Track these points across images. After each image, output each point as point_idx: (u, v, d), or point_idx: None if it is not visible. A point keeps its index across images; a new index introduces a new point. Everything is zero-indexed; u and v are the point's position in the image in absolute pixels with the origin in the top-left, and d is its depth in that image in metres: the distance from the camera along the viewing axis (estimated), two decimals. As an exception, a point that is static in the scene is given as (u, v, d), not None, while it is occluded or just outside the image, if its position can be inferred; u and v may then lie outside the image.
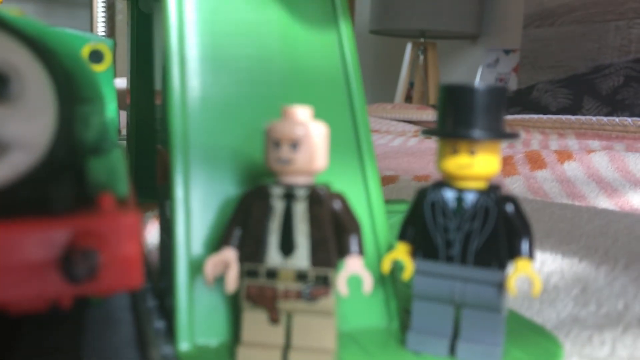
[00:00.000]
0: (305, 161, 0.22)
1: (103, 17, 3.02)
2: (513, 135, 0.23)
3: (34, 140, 0.17)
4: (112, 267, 0.17)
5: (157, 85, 0.33)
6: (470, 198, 0.23)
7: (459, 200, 0.24)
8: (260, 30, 0.27)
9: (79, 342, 0.21)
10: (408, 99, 2.30)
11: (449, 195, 0.24)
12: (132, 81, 0.51)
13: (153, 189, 0.39)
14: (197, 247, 0.25)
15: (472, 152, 0.23)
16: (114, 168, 0.19)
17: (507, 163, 0.63)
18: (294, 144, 0.22)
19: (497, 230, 0.23)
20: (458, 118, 0.23)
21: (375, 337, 0.25)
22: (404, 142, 0.98)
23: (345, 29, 0.28)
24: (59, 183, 0.18)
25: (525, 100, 1.48)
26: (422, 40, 2.22)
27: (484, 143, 0.23)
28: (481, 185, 0.24)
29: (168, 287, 0.27)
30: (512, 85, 1.99)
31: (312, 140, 0.22)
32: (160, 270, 0.30)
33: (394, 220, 0.32)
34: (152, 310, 0.25)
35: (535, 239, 0.24)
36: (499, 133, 0.23)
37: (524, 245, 0.23)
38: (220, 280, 0.24)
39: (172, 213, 0.25)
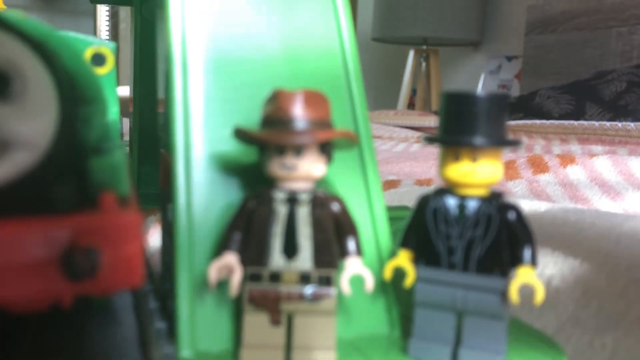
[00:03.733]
0: (308, 168, 0.23)
1: (107, 25, 3.04)
2: (515, 142, 0.23)
3: (36, 139, 0.17)
4: (113, 266, 0.17)
5: (160, 92, 0.33)
6: (472, 205, 0.23)
7: (461, 207, 0.24)
8: (262, 35, 0.27)
9: (80, 343, 0.21)
10: (410, 106, 2.31)
11: (451, 202, 0.24)
12: (135, 87, 0.51)
13: (155, 195, 0.39)
14: (199, 253, 0.25)
15: (474, 160, 0.23)
16: (116, 168, 0.19)
17: (510, 167, 0.63)
18: (298, 150, 0.22)
19: (499, 238, 0.23)
20: (460, 125, 0.23)
21: (377, 344, 0.25)
22: (406, 148, 0.98)
23: (347, 33, 0.29)
24: (61, 182, 0.18)
25: (528, 107, 1.48)
26: (424, 47, 2.23)
27: (486, 150, 0.23)
28: (483, 192, 0.24)
29: (170, 289, 0.27)
30: (515, 92, 1.99)
31: (315, 147, 0.23)
32: (162, 273, 0.30)
33: (397, 227, 0.32)
34: (154, 312, 0.25)
35: (537, 244, 0.24)
36: (501, 140, 0.23)
37: (526, 253, 0.23)
38: (221, 286, 0.24)
39: (175, 220, 0.25)
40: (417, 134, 1.24)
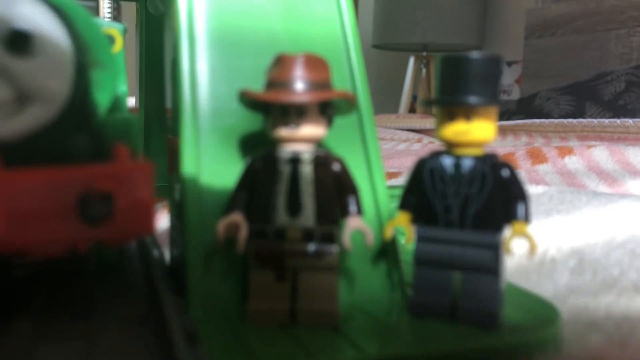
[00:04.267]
0: (310, 128, 0.24)
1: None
2: (507, 102, 0.24)
3: (54, 94, 0.19)
4: (126, 212, 0.18)
5: (169, 77, 0.34)
6: (467, 164, 0.24)
7: (457, 166, 0.25)
8: (266, 13, 0.28)
9: (93, 295, 0.22)
10: (411, 112, 2.32)
11: (447, 161, 0.25)
12: (142, 83, 0.52)
13: (163, 188, 0.39)
14: (207, 217, 0.26)
15: (468, 119, 0.24)
16: (128, 125, 0.20)
17: (509, 159, 0.64)
18: (301, 112, 0.23)
19: (493, 195, 0.24)
20: (455, 86, 0.24)
21: (379, 304, 0.26)
22: (407, 147, 0.99)
23: (347, 10, 0.30)
24: (76, 135, 0.19)
25: (528, 108, 1.49)
26: (424, 53, 2.24)
27: (480, 109, 0.24)
28: (478, 152, 0.25)
29: (178, 260, 0.28)
30: (515, 96, 2.00)
31: (317, 109, 0.24)
32: (170, 249, 0.31)
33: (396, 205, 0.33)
34: (164, 276, 0.26)
35: (530, 203, 0.24)
36: (494, 99, 0.24)
37: (520, 209, 0.24)
38: (228, 248, 0.25)
39: (184, 188, 0.26)
40: (418, 135, 1.25)
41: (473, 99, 0.23)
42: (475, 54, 0.24)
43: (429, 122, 1.47)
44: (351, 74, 0.29)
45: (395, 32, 2.10)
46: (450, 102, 0.24)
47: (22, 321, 0.19)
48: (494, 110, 0.24)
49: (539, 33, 1.85)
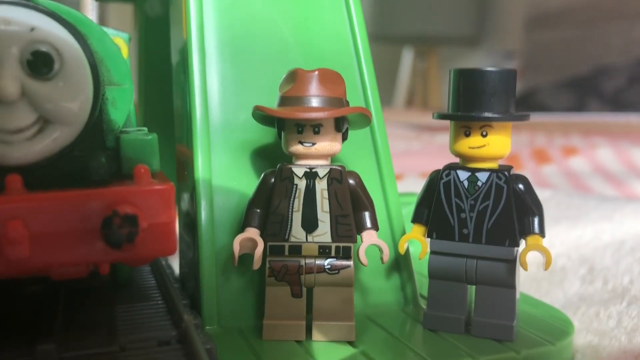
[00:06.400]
0: (326, 145, 0.24)
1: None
2: (524, 116, 0.24)
3: (74, 117, 0.18)
4: (148, 234, 0.18)
5: (174, 82, 0.34)
6: (482, 178, 0.24)
7: (472, 180, 0.24)
8: (276, 23, 0.28)
9: (112, 315, 0.22)
10: (409, 104, 2.31)
11: (462, 175, 0.25)
12: (141, 85, 0.52)
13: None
14: (220, 232, 0.26)
15: (484, 135, 0.24)
16: (147, 144, 0.20)
17: (514, 159, 0.64)
18: (316, 128, 0.23)
19: (508, 209, 0.24)
20: (470, 101, 0.24)
21: (393, 317, 0.26)
22: (406, 145, 0.99)
23: (357, 18, 0.30)
24: (96, 157, 0.19)
25: (528, 103, 1.49)
26: (422, 45, 2.24)
27: (496, 125, 0.24)
28: (493, 165, 0.25)
29: (188, 273, 0.28)
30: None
31: (332, 125, 0.23)
32: (180, 260, 0.31)
33: (407, 212, 0.33)
34: (177, 290, 0.26)
35: (544, 217, 0.24)
36: (509, 115, 0.24)
37: (535, 222, 0.24)
38: (242, 263, 0.25)
39: (196, 202, 0.26)
40: (414, 132, 1.25)
41: (489, 115, 0.23)
42: (490, 69, 0.24)
43: (426, 117, 1.47)
44: (363, 85, 0.29)
45: (392, 23, 2.09)
46: (466, 118, 0.24)
47: (46, 344, 0.19)
48: (509, 125, 0.24)
49: (540, 25, 1.84)
